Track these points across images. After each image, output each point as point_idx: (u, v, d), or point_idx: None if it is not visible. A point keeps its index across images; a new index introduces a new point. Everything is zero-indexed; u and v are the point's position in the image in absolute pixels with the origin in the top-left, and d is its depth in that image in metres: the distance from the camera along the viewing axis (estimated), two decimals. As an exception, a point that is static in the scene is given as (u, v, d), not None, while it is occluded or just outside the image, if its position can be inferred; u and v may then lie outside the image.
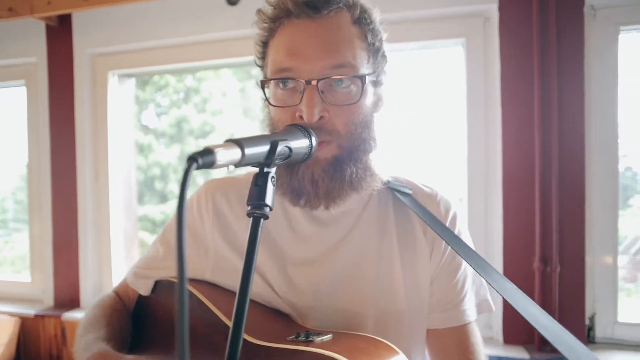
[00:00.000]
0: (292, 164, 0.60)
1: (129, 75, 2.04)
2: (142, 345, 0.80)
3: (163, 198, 2.56)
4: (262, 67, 0.68)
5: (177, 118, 2.64)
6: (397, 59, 1.74)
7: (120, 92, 2.01)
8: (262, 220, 0.41)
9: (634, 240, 1.78)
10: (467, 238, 0.73)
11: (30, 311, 1.97)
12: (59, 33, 1.96)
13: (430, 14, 1.58)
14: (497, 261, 1.53)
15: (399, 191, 0.71)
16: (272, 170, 0.43)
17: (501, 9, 1.49)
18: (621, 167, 1.51)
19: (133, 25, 1.86)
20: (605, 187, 1.48)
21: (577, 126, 1.44)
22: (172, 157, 2.59)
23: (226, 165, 0.37)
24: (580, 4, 1.44)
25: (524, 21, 1.46)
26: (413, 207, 0.69)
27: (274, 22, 0.62)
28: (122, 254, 2.05)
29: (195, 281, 0.75)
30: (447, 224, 0.71)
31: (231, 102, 2.77)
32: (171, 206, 2.59)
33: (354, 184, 0.63)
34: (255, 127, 2.83)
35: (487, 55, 1.55)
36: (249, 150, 0.40)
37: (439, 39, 1.60)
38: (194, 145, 2.69)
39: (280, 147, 0.44)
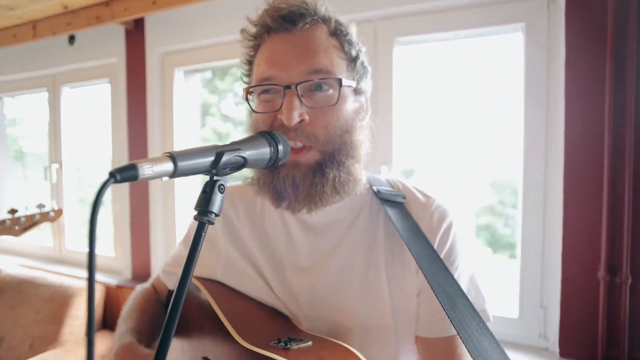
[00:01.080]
0: (274, 167, 0.63)
1: (194, 71, 2.20)
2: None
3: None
4: (247, 84, 0.71)
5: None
6: (448, 48, 1.64)
7: (186, 86, 2.17)
8: (206, 225, 0.43)
9: None
10: (460, 251, 0.70)
11: (113, 281, 2.26)
12: (135, 35, 2.17)
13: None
14: (554, 267, 1.40)
15: (390, 202, 0.70)
16: (222, 179, 0.45)
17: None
18: None
19: (196, 24, 1.99)
20: None
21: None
22: None
23: (156, 177, 0.40)
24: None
25: (597, 4, 1.29)
26: (399, 222, 0.67)
27: (257, 39, 0.66)
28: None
29: (207, 280, 0.81)
30: (439, 236, 0.68)
31: None
32: None
33: (337, 187, 0.63)
34: None
35: (550, 42, 1.39)
36: (183, 163, 0.42)
37: (494, 25, 1.47)
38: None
39: (229, 157, 0.46)
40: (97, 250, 1.97)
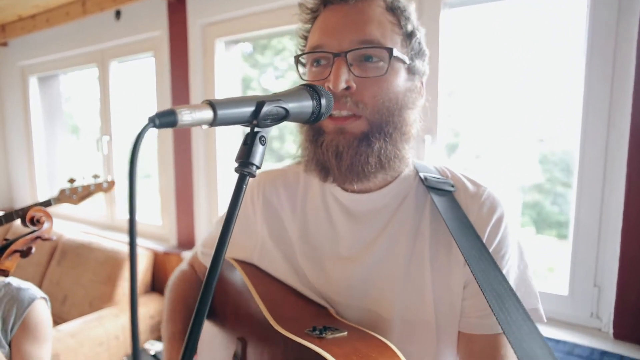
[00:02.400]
0: (316, 138, 0.62)
1: (235, 42, 2.19)
2: (210, 312, 0.89)
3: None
4: (296, 62, 0.70)
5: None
6: (500, 10, 1.52)
7: (227, 57, 2.18)
8: (247, 177, 0.42)
9: None
10: (510, 245, 0.65)
11: (160, 248, 2.38)
12: (177, 8, 2.19)
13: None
14: (612, 245, 1.30)
15: (438, 189, 0.66)
16: (262, 130, 0.43)
17: None
18: None
19: (236, -7, 1.97)
20: None
21: None
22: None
23: (196, 124, 0.39)
24: None
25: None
26: (446, 213, 0.63)
27: (313, 13, 0.66)
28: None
29: (243, 262, 0.81)
30: (488, 229, 0.64)
31: None
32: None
33: (382, 160, 0.61)
34: None
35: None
36: (223, 112, 0.40)
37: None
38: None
39: (270, 108, 0.44)
40: (145, 219, 2.07)
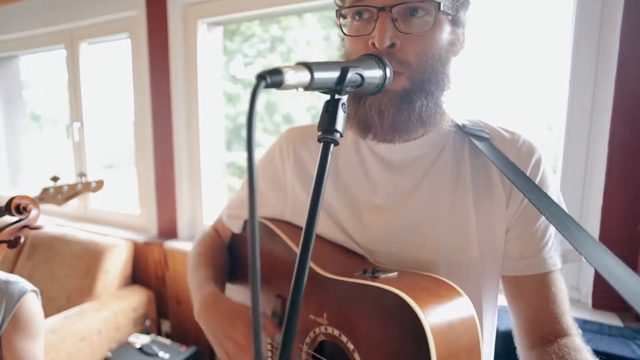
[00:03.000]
0: (360, 95, 0.60)
1: (217, 23, 2.13)
2: (235, 276, 0.90)
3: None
4: (337, 15, 0.67)
5: (264, 67, 2.70)
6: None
7: (209, 40, 2.11)
8: (332, 145, 0.41)
9: None
10: (551, 185, 0.68)
11: (140, 238, 2.30)
12: (155, -15, 2.09)
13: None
14: (593, 220, 1.39)
15: (475, 136, 0.67)
16: (343, 98, 0.42)
17: None
18: None
19: (219, -27, 1.90)
20: None
21: None
22: (259, 106, 2.68)
23: (295, 87, 0.38)
24: None
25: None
26: (489, 153, 0.64)
27: None
28: (211, 194, 2.25)
29: (276, 220, 0.81)
30: (529, 171, 0.66)
31: (316, 51, 2.76)
32: (258, 154, 2.73)
33: (423, 117, 0.61)
34: None
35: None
36: (318, 74, 0.40)
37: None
38: (280, 94, 2.75)
39: (352, 74, 0.43)
40: (119, 209, 1.98)
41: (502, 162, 0.63)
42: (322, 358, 0.66)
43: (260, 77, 0.36)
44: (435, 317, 0.51)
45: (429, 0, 0.57)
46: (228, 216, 0.90)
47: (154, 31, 2.14)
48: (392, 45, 0.57)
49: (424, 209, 0.68)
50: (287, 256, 0.73)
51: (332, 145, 0.41)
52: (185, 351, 1.95)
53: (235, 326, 0.66)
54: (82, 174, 1.40)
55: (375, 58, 0.51)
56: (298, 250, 0.66)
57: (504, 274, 0.70)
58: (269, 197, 0.82)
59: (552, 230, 0.68)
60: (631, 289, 0.48)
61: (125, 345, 2.00)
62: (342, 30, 0.64)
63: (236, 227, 0.89)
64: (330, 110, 0.40)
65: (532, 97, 1.61)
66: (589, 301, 1.42)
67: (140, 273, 2.36)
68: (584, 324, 1.32)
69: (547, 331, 0.66)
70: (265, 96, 2.69)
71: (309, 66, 0.40)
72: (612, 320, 1.33)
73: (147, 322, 2.17)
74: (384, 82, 0.51)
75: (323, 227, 0.75)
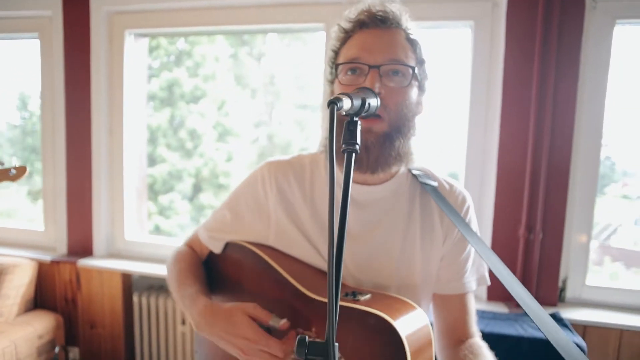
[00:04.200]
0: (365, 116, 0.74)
1: (144, 35, 2.08)
2: (212, 290, 0.94)
3: (152, 162, 2.58)
4: (331, 68, 0.82)
5: (169, 81, 2.65)
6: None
7: (135, 50, 2.05)
8: (353, 154, 0.50)
9: (605, 227, 1.97)
10: (474, 224, 0.89)
11: (46, 257, 2.09)
12: (75, -13, 1.97)
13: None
14: (487, 227, 1.70)
15: (426, 184, 0.85)
16: (358, 119, 0.53)
17: (510, -7, 1.58)
18: (602, 156, 1.66)
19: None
20: (587, 173, 1.65)
21: (569, 113, 1.59)
22: (163, 120, 2.59)
23: (344, 110, 0.51)
24: (582, -4, 1.55)
25: (530, 8, 1.57)
26: (436, 199, 0.83)
27: (348, 33, 0.79)
28: (133, 207, 2.16)
29: (259, 245, 0.89)
30: (462, 213, 0.86)
31: (223, 68, 2.77)
32: (159, 170, 2.66)
33: (400, 154, 0.76)
34: (247, 94, 2.82)
35: (494, 38, 1.65)
36: (353, 103, 0.53)
37: (449, 20, 1.69)
38: (186, 110, 2.72)
39: (368, 102, 0.57)
40: (17, 225, 1.82)
41: (445, 207, 0.81)
42: None
43: (332, 103, 0.48)
44: (406, 328, 0.66)
45: (407, 65, 0.75)
46: (210, 238, 0.95)
47: (72, 35, 2.01)
48: (378, 93, 0.71)
49: (383, 242, 0.83)
50: (273, 276, 0.81)
51: (353, 154, 0.51)
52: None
53: (238, 325, 0.74)
54: None
55: (369, 90, 0.64)
56: (288, 278, 0.77)
57: (435, 292, 0.89)
58: (253, 223, 0.90)
59: (471, 261, 0.88)
60: (514, 289, 0.68)
61: (31, 377, 1.79)
62: (330, 76, 0.79)
63: (217, 248, 0.95)
64: (351, 128, 0.51)
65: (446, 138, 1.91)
66: (485, 295, 1.73)
67: (46, 296, 2.13)
68: (482, 313, 1.60)
69: (460, 334, 0.86)
70: (170, 110, 2.65)
71: (349, 96, 0.53)
72: (501, 308, 1.65)
73: (57, 349, 1.97)
74: (375, 106, 0.63)
75: (304, 253, 0.85)
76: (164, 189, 2.75)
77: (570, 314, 1.60)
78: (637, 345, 1.55)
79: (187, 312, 0.84)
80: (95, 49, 1.98)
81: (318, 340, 0.42)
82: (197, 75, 2.77)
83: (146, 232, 2.25)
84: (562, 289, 1.72)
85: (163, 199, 2.74)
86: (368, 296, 0.72)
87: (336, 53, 0.82)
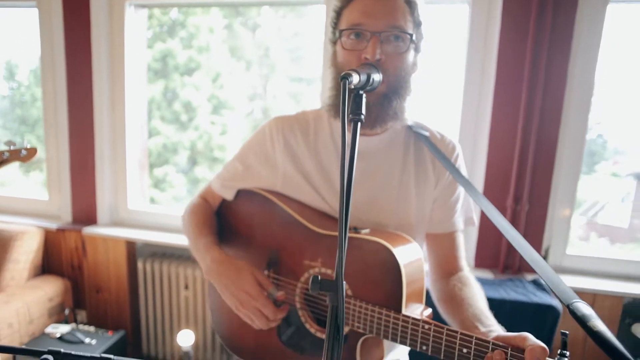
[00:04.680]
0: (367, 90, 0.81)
1: (143, 6, 2.08)
2: (224, 238, 1.04)
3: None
4: (333, 27, 0.87)
5: (162, 52, 2.65)
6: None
7: (135, 21, 2.06)
8: (359, 123, 0.57)
9: (593, 204, 2.07)
10: (464, 170, 0.97)
11: (52, 225, 2.16)
12: (74, -45, 1.96)
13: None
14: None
15: (419, 134, 0.93)
16: (362, 92, 0.59)
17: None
18: (594, 134, 1.73)
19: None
20: (573, 150, 1.72)
21: (559, 91, 1.65)
22: (157, 92, 2.59)
23: (354, 84, 0.58)
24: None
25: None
26: (429, 146, 0.91)
27: None
28: (135, 178, 2.22)
29: (268, 190, 0.98)
30: (452, 160, 0.94)
31: (218, 39, 2.75)
32: (154, 142, 2.69)
33: (397, 113, 0.84)
34: (242, 66, 2.82)
35: (490, 16, 1.69)
36: (362, 77, 0.60)
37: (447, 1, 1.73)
38: (180, 82, 2.72)
39: (373, 77, 0.65)
40: (21, 194, 1.89)
41: (437, 153, 0.90)
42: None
43: (344, 78, 0.55)
44: (402, 256, 0.75)
45: (405, 32, 0.80)
46: (222, 186, 1.04)
47: (71, 6, 2.00)
48: (379, 59, 0.78)
49: (380, 187, 0.91)
50: (283, 216, 0.91)
51: (359, 123, 0.57)
52: (112, 336, 1.93)
53: (242, 278, 0.84)
54: (10, 142, 1.31)
55: (374, 65, 0.71)
56: (296, 216, 0.86)
57: (428, 232, 0.98)
58: (262, 173, 0.98)
59: (460, 203, 0.97)
60: (512, 237, 0.76)
61: (42, 337, 1.90)
62: (331, 38, 0.86)
63: (230, 195, 1.04)
64: (357, 100, 0.58)
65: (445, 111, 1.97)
66: (472, 262, 1.84)
67: (53, 262, 2.21)
68: (469, 279, 1.72)
69: (451, 268, 0.96)
70: (164, 82, 2.65)
71: (357, 71, 0.60)
72: (487, 274, 1.76)
73: (67, 312, 2.07)
74: (378, 81, 0.70)
75: (309, 197, 0.94)
76: (158, 161, 2.78)
77: (550, 280, 1.72)
78: (608, 307, 1.69)
79: (200, 257, 0.94)
80: (95, 19, 1.99)
81: (329, 271, 0.50)
82: (192, 46, 2.76)
83: (147, 202, 2.32)
84: (545, 257, 1.83)
85: (158, 172, 2.78)
86: (367, 230, 0.82)
87: (338, 14, 0.87)
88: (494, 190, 1.75)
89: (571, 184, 1.77)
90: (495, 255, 1.79)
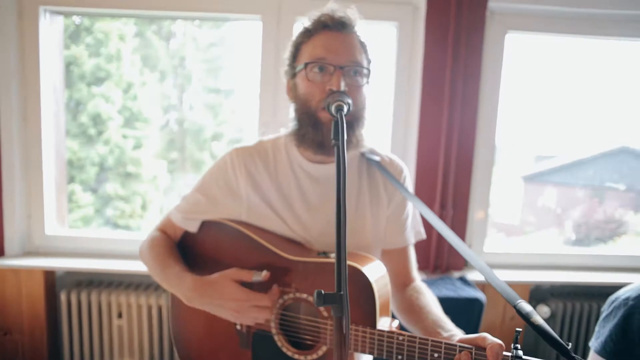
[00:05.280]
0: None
1: (58, 13, 1.90)
2: (191, 270, 0.99)
3: None
4: (291, 60, 0.92)
5: (65, 59, 2.45)
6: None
7: (49, 29, 1.87)
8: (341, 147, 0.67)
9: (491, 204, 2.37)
10: (411, 189, 1.08)
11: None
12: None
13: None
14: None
15: (371, 159, 1.01)
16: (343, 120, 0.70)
17: (429, 1, 1.79)
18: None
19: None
20: (485, 161, 1.99)
21: (473, 108, 1.87)
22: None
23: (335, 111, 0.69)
24: (483, 8, 1.81)
25: (444, 15, 1.79)
26: (381, 170, 0.99)
27: (311, 31, 0.89)
28: (52, 200, 2.01)
29: (234, 221, 0.98)
30: (401, 180, 1.04)
31: (129, 48, 2.60)
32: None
33: (358, 140, 0.92)
34: (156, 77, 2.70)
35: (414, 39, 1.87)
36: (350, 105, 0.71)
37: (376, 20, 1.86)
38: (87, 93, 2.54)
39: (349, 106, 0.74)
40: None
41: (388, 176, 0.98)
42: (290, 314, 0.90)
43: (340, 109, 0.68)
44: (371, 274, 0.82)
45: (365, 67, 0.89)
46: (185, 219, 1.02)
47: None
48: (344, 91, 0.84)
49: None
50: (252, 244, 0.93)
51: (342, 147, 0.66)
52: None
53: (226, 290, 0.87)
54: None
55: (344, 94, 0.79)
56: (265, 244, 0.89)
57: (384, 248, 1.05)
58: (227, 203, 0.99)
59: (410, 220, 1.07)
60: (457, 244, 0.86)
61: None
62: (289, 69, 0.92)
63: (194, 228, 1.02)
64: (339, 127, 0.68)
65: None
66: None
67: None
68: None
69: (405, 279, 1.06)
70: (67, 92, 2.45)
71: (343, 101, 0.73)
72: (421, 275, 1.92)
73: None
74: (350, 108, 0.78)
75: (273, 224, 0.97)
76: (62, 179, 2.54)
77: (473, 275, 1.94)
78: (519, 293, 1.92)
79: (174, 289, 0.93)
80: (2, 25, 1.77)
81: (304, 295, 0.54)
82: (100, 54, 2.57)
83: (67, 226, 2.11)
84: (467, 256, 2.05)
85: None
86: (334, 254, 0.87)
87: (297, 48, 0.92)
88: (423, 199, 1.92)
89: (485, 190, 2.02)
90: (426, 258, 1.96)
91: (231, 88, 2.89)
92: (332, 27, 0.87)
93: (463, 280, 1.88)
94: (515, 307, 0.72)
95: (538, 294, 2.11)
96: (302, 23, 0.91)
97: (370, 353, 0.80)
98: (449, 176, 1.90)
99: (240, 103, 2.89)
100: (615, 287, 1.37)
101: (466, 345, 0.72)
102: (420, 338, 0.75)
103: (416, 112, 1.88)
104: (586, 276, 2.01)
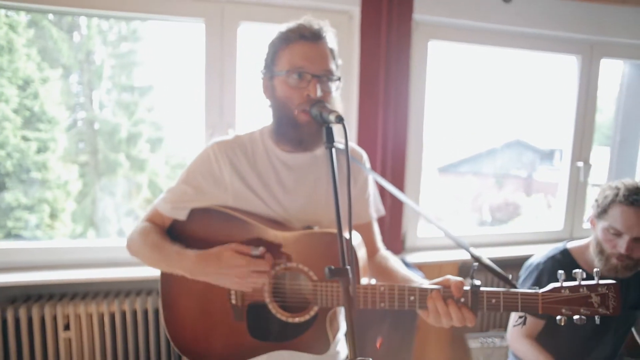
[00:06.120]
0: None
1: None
2: None
3: None
4: (269, 61, 1.03)
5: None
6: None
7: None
8: (334, 149, 0.81)
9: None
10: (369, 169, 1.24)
11: None
12: None
13: (305, 4, 1.98)
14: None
15: (337, 148, 1.14)
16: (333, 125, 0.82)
17: (363, 11, 1.99)
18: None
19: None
20: (415, 157, 2.26)
21: (403, 110, 2.10)
22: None
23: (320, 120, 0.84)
24: (409, 18, 2.06)
25: (376, 24, 2.00)
26: (345, 155, 1.13)
27: (288, 40, 0.99)
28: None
29: (222, 206, 1.06)
30: (363, 163, 1.19)
31: (23, 39, 2.32)
32: None
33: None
34: (58, 73, 2.49)
35: (350, 45, 2.06)
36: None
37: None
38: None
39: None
40: None
41: (353, 160, 1.12)
42: (281, 282, 1.01)
43: (341, 119, 0.80)
44: (353, 240, 0.95)
45: (334, 75, 1.01)
46: (173, 209, 1.08)
47: None
48: (320, 97, 0.97)
49: (311, 192, 1.10)
50: (239, 225, 1.03)
51: (334, 149, 0.79)
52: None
53: (228, 259, 0.96)
54: None
55: (323, 101, 0.93)
56: (254, 222, 1.00)
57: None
58: (212, 192, 1.07)
59: (371, 198, 1.22)
60: (413, 206, 1.05)
61: None
62: (265, 73, 1.04)
63: (183, 216, 1.09)
64: (329, 132, 0.83)
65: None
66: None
67: None
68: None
69: (373, 248, 1.20)
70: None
71: (339, 117, 0.84)
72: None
73: None
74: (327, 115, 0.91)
75: (257, 207, 1.07)
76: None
77: (410, 257, 2.18)
78: (449, 270, 2.24)
79: (175, 266, 0.99)
80: None
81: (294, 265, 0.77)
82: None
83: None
84: (403, 240, 2.29)
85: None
86: (317, 227, 1.02)
87: (274, 52, 1.02)
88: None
89: (416, 182, 2.28)
90: (396, 239, 2.17)
91: (148, 85, 2.76)
92: (308, 37, 0.98)
93: (403, 262, 2.11)
94: (468, 250, 0.92)
95: (465, 269, 2.42)
96: (279, 29, 1.02)
97: (364, 306, 0.93)
98: (386, 169, 2.11)
99: (158, 101, 2.80)
100: (524, 258, 1.70)
101: (435, 286, 0.89)
102: (398, 286, 0.90)
103: (354, 111, 2.06)
104: (501, 251, 2.38)
